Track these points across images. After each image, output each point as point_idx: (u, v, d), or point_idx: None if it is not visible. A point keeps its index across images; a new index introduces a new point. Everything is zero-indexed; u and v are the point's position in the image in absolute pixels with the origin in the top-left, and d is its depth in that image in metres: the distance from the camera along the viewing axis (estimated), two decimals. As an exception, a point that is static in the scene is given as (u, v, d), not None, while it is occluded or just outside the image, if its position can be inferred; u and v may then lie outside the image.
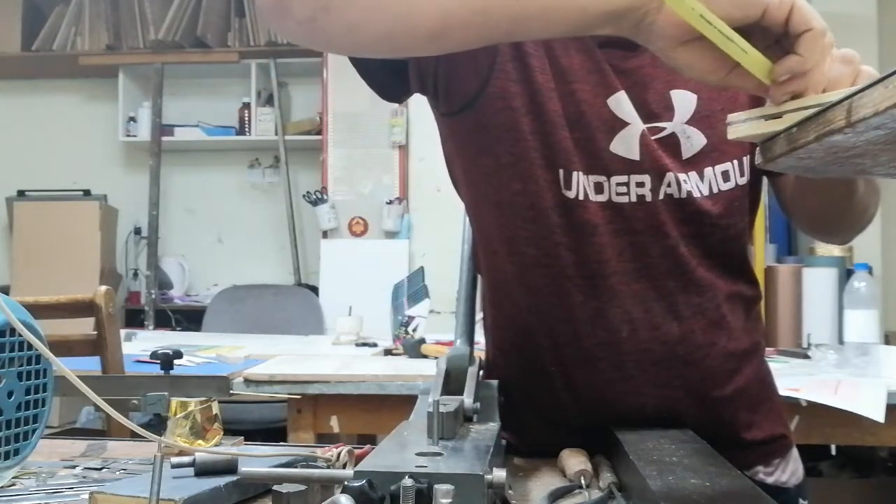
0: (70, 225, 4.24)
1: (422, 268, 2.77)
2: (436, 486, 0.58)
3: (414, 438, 0.76)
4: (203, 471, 0.77)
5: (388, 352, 2.47)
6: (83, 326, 1.79)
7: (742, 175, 0.96)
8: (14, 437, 0.82)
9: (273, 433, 2.73)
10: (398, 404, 1.85)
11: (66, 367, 0.65)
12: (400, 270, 3.74)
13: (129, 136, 4.62)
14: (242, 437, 1.06)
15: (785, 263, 2.86)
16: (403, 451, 0.71)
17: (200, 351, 2.43)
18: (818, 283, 2.66)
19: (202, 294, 4.61)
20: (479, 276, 1.09)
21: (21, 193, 4.51)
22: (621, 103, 0.93)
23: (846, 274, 2.66)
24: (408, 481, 0.59)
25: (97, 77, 4.71)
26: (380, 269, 3.81)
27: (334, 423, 1.91)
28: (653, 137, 0.93)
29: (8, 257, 4.47)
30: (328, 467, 0.81)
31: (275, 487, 0.64)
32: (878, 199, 1.01)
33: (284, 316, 3.85)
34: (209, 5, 4.46)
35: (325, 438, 1.91)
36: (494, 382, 0.97)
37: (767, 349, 1.49)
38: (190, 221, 4.79)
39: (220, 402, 1.00)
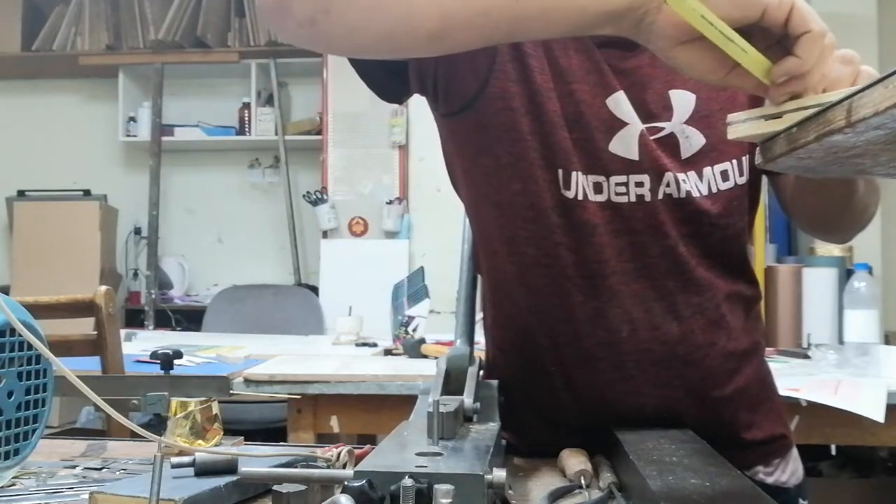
0: (70, 225, 4.24)
1: (422, 268, 2.77)
2: (436, 486, 0.58)
3: (414, 438, 0.76)
4: (203, 471, 0.77)
5: (388, 352, 2.47)
6: (83, 326, 1.79)
7: (741, 175, 0.96)
8: (14, 437, 0.82)
9: (273, 433, 2.73)
10: (398, 404, 1.85)
11: (66, 367, 0.65)
12: (400, 270, 3.74)
13: (129, 136, 4.62)
14: (242, 437, 1.06)
15: (785, 263, 2.86)
16: (403, 451, 0.71)
17: (200, 351, 2.43)
18: (818, 283, 2.66)
19: (202, 294, 4.61)
20: (479, 276, 1.09)
21: (21, 193, 4.51)
22: (620, 103, 0.93)
23: (846, 274, 2.66)
24: (408, 481, 0.59)
25: (97, 77, 4.71)
26: (380, 269, 3.81)
27: (334, 423, 1.91)
28: (652, 137, 0.93)
29: (8, 257, 4.47)
30: (328, 467, 0.81)
31: (275, 487, 0.64)
32: (878, 198, 1.01)
33: (284, 316, 3.85)
34: (209, 5, 4.46)
35: (325, 438, 1.91)
36: (494, 382, 0.97)
37: (767, 349, 1.49)
38: (190, 221, 4.79)
39: (220, 402, 1.00)
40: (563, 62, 0.93)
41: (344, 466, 0.84)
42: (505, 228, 0.96)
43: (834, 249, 2.92)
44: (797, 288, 2.65)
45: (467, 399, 0.86)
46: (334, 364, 2.13)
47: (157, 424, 0.98)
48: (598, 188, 0.93)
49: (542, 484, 0.85)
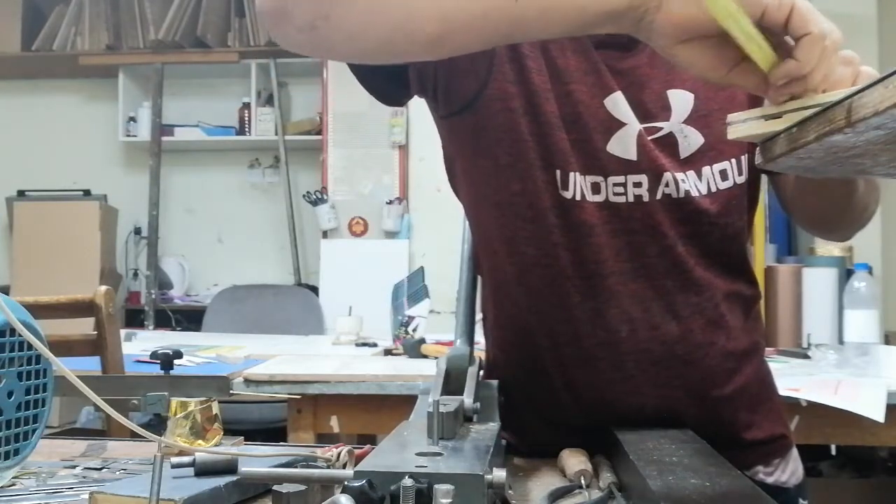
0: (70, 225, 4.24)
1: (422, 268, 2.77)
2: (436, 486, 0.58)
3: (414, 438, 0.76)
4: (203, 471, 0.77)
5: (388, 352, 2.47)
6: (83, 326, 1.79)
7: (740, 174, 0.96)
8: (14, 437, 0.82)
9: (273, 433, 2.73)
10: (398, 404, 1.85)
11: (66, 367, 0.65)
12: (400, 270, 3.74)
13: (129, 136, 4.62)
14: (242, 437, 1.06)
15: (785, 263, 2.86)
16: (403, 451, 0.71)
17: (200, 351, 2.43)
18: (818, 283, 2.66)
19: (202, 294, 4.61)
20: (479, 277, 1.09)
21: (21, 193, 4.51)
22: (618, 104, 0.93)
23: (846, 274, 2.66)
24: (408, 481, 0.59)
25: (97, 77, 4.71)
26: (380, 269, 3.81)
27: (334, 423, 1.91)
28: (650, 137, 0.93)
29: (8, 257, 4.47)
30: (328, 467, 0.81)
31: (275, 487, 0.64)
32: (879, 196, 1.01)
33: (284, 316, 3.85)
34: (209, 5, 4.46)
35: (325, 438, 1.91)
36: (494, 382, 0.97)
37: (767, 349, 1.49)
38: (190, 221, 4.79)
39: (220, 402, 1.00)
40: (561, 63, 0.93)
41: (344, 466, 0.84)
42: (505, 229, 0.96)
43: (834, 249, 2.92)
44: (797, 288, 2.65)
45: (467, 399, 0.86)
46: (334, 364, 2.13)
47: (157, 424, 0.98)
48: (595, 188, 0.93)
49: (542, 484, 0.85)
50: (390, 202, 4.11)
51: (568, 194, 0.92)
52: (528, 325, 0.98)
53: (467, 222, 1.07)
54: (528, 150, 0.92)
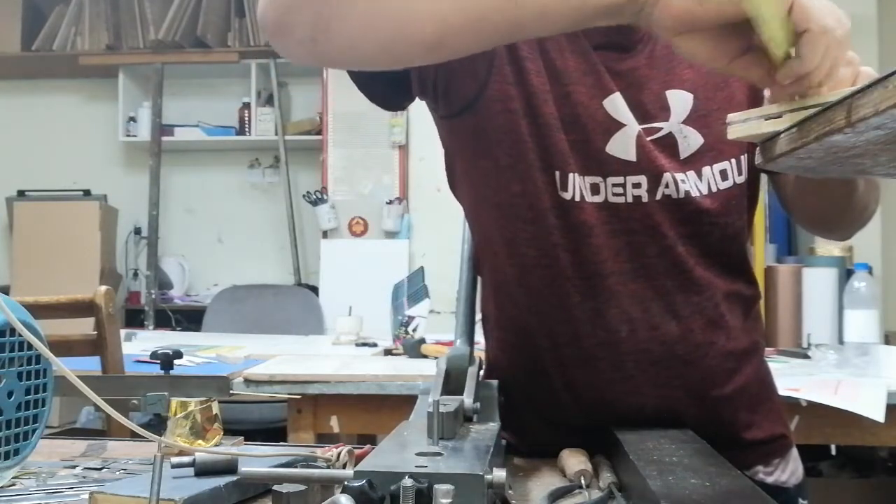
0: (70, 225, 4.24)
1: (422, 268, 2.77)
2: (436, 486, 0.58)
3: (414, 438, 0.76)
4: (203, 471, 0.77)
5: (388, 352, 2.47)
6: (83, 326, 1.79)
7: (740, 174, 0.96)
8: (14, 437, 0.82)
9: (273, 433, 2.73)
10: (398, 404, 1.85)
11: (66, 367, 0.65)
12: (400, 270, 3.74)
13: (129, 136, 4.62)
14: (242, 437, 1.06)
15: (785, 263, 2.86)
16: (403, 451, 0.71)
17: (200, 351, 2.43)
18: (818, 283, 2.66)
19: (202, 294, 4.60)
20: (479, 277, 1.09)
21: (21, 193, 4.51)
22: (617, 105, 0.93)
23: (846, 274, 2.66)
24: (408, 481, 0.59)
25: (97, 77, 4.71)
26: (380, 269, 3.81)
27: (334, 423, 1.91)
28: (649, 138, 0.93)
29: (8, 257, 4.47)
30: (328, 467, 0.81)
31: (275, 487, 0.64)
32: (878, 196, 1.01)
33: (284, 316, 3.85)
34: (209, 5, 4.46)
35: (325, 438, 1.91)
36: (494, 382, 0.97)
37: (767, 349, 1.49)
38: (190, 221, 4.79)
39: (220, 402, 1.00)
40: (560, 64, 0.93)
41: (344, 466, 0.84)
42: (505, 230, 0.96)
43: (834, 249, 2.92)
44: (797, 288, 2.65)
45: (467, 399, 0.86)
46: (334, 364, 2.13)
47: (157, 424, 0.98)
48: (594, 189, 0.93)
49: (542, 484, 0.85)
50: (390, 202, 4.10)
51: (567, 195, 0.92)
52: (529, 326, 0.98)
53: (467, 223, 1.07)
54: (528, 151, 0.92)
